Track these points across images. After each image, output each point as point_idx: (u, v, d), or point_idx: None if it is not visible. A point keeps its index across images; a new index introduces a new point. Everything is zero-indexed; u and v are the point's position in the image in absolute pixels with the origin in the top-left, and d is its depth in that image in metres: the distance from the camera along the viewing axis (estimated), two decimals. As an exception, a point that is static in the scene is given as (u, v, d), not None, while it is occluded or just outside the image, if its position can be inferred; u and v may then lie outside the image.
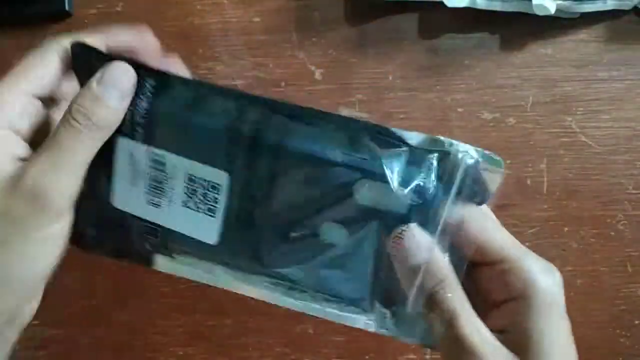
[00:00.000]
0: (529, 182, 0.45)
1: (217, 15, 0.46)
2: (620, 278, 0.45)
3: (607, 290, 0.45)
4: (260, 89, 0.45)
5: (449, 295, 0.24)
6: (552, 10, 0.42)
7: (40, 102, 0.26)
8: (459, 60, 0.45)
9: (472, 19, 0.45)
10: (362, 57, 0.46)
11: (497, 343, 0.24)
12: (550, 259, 0.45)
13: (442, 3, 0.43)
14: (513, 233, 0.44)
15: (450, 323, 0.24)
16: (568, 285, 0.44)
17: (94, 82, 0.24)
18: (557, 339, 0.24)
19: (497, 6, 0.44)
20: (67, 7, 0.45)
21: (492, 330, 0.25)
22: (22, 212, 0.24)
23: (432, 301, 0.24)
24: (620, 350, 0.44)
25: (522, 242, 0.44)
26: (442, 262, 0.25)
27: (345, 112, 0.42)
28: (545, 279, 0.25)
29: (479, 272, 0.26)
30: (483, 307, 0.25)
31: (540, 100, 0.45)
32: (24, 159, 0.25)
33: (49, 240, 0.25)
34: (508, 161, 0.45)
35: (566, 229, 0.45)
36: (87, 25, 0.46)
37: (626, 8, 0.44)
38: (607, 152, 0.45)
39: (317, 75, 0.46)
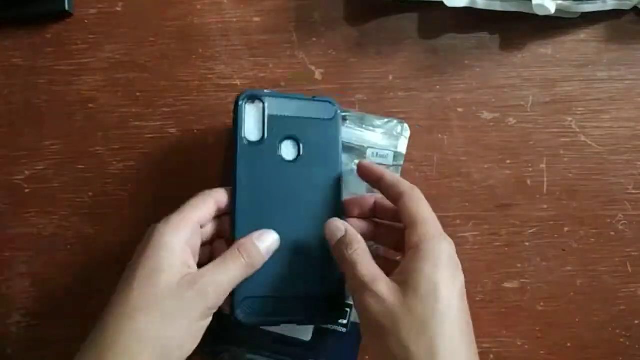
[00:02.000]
0: (529, 182, 0.45)
1: (217, 15, 0.46)
2: (620, 278, 0.45)
3: (607, 290, 0.45)
4: (259, 87, 0.45)
5: (351, 251, 0.34)
6: (552, 10, 0.42)
7: (199, 228, 0.37)
8: (459, 60, 0.45)
9: (472, 19, 0.45)
10: (362, 57, 0.46)
11: (383, 275, 0.33)
12: (550, 259, 0.45)
13: (442, 3, 0.43)
14: (513, 233, 0.45)
15: (351, 271, 0.34)
16: (568, 285, 0.45)
17: (254, 237, 0.37)
18: (434, 281, 0.32)
19: (497, 6, 0.44)
20: (67, 7, 0.45)
21: (394, 274, 0.33)
22: (194, 304, 0.33)
23: (344, 260, 0.34)
24: (620, 350, 0.44)
25: (522, 242, 0.45)
26: (352, 233, 0.35)
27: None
28: (436, 239, 0.33)
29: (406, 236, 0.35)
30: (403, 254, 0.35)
31: (540, 100, 0.45)
32: (190, 267, 0.35)
33: (202, 328, 0.34)
34: (508, 161, 0.45)
35: (566, 229, 0.45)
36: (87, 25, 0.46)
37: (626, 8, 0.44)
38: (607, 152, 0.45)
39: (317, 75, 0.46)
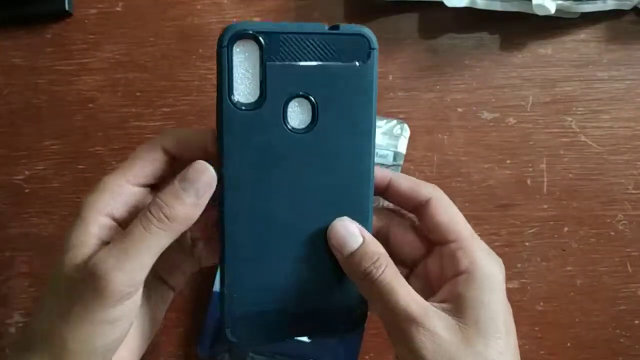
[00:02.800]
0: (529, 182, 0.45)
1: (217, 15, 0.46)
2: (620, 278, 0.45)
3: (607, 290, 0.45)
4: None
5: (379, 272, 0.27)
6: (552, 10, 0.42)
7: (147, 189, 0.29)
8: (459, 60, 0.45)
9: (472, 19, 0.45)
10: (362, 57, 0.46)
11: (432, 307, 0.27)
12: (550, 259, 0.45)
13: (442, 3, 0.43)
14: (513, 233, 0.45)
15: (385, 297, 0.26)
16: (568, 285, 0.45)
17: (176, 179, 0.27)
18: (494, 312, 0.27)
19: (497, 6, 0.44)
20: (67, 7, 0.45)
21: (438, 302, 0.27)
22: (86, 292, 0.25)
23: (367, 280, 0.27)
24: (620, 350, 0.44)
25: (522, 242, 0.45)
26: (373, 243, 0.28)
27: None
28: (488, 261, 0.28)
29: (435, 250, 0.30)
30: (433, 284, 0.29)
31: (540, 100, 0.45)
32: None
33: (107, 322, 0.26)
34: (508, 161, 0.45)
35: (566, 229, 0.45)
36: (87, 25, 0.46)
37: (626, 8, 0.44)
38: (607, 152, 0.45)
39: (317, 75, 0.46)
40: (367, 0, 0.46)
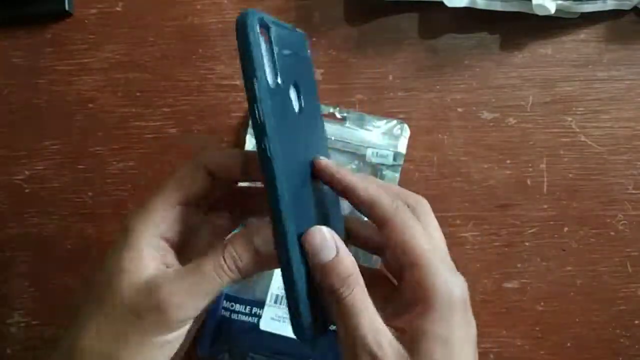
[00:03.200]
0: (529, 182, 0.45)
1: (217, 15, 0.46)
2: (620, 278, 0.45)
3: (607, 290, 0.44)
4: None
5: (349, 293, 0.26)
6: (552, 10, 0.42)
7: (192, 208, 0.29)
8: (459, 60, 0.45)
9: (472, 19, 0.45)
10: (362, 57, 0.46)
11: (390, 336, 0.26)
12: (550, 259, 0.45)
13: (442, 3, 0.43)
14: (513, 233, 0.45)
15: (347, 320, 0.26)
16: (568, 285, 0.45)
17: (252, 233, 0.27)
18: (447, 344, 0.25)
19: (497, 6, 0.44)
20: (67, 7, 0.45)
21: (398, 329, 0.26)
22: (147, 318, 0.26)
23: (333, 296, 0.26)
24: (620, 350, 0.44)
25: (522, 242, 0.45)
26: (346, 260, 0.26)
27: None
28: (443, 287, 0.26)
29: (401, 273, 0.28)
30: (403, 307, 0.27)
31: (540, 100, 0.45)
32: (167, 265, 0.28)
33: (162, 345, 0.27)
34: (508, 161, 0.45)
35: (566, 229, 0.45)
36: (87, 25, 0.46)
37: (626, 8, 0.44)
38: (607, 152, 0.45)
39: (317, 75, 0.46)
40: (367, 0, 0.46)
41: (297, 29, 0.30)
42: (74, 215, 0.45)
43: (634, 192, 0.45)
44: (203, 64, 0.46)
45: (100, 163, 0.46)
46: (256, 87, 0.25)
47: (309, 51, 0.31)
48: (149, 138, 0.46)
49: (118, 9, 0.47)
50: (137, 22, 0.46)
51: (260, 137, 0.25)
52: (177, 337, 0.27)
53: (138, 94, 0.46)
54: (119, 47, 0.46)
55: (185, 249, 0.29)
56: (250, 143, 0.44)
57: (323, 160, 0.29)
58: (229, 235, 0.29)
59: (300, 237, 0.26)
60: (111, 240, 0.45)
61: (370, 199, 0.28)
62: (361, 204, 0.28)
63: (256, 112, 0.25)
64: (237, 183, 0.31)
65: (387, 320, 0.26)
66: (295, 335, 0.27)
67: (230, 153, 0.29)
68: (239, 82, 0.46)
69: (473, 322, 0.27)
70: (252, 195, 0.32)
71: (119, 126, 0.46)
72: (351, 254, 0.27)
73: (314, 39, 0.46)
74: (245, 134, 0.44)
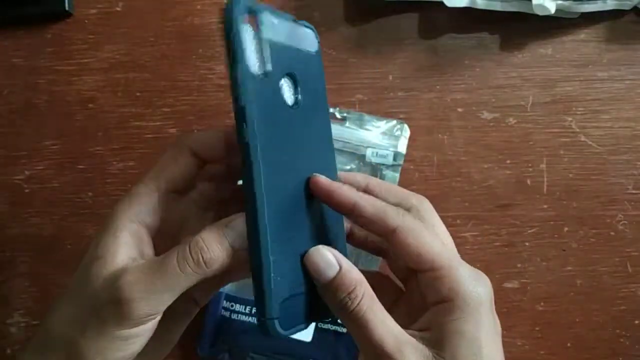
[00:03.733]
0: (529, 182, 0.45)
1: (217, 15, 0.46)
2: (620, 278, 0.45)
3: (607, 290, 0.45)
4: None
5: (357, 303, 0.25)
6: (552, 10, 0.42)
7: (175, 195, 0.28)
8: (459, 60, 0.45)
9: (472, 19, 0.45)
10: (362, 57, 0.46)
11: (408, 338, 0.25)
12: (550, 259, 0.45)
13: (442, 3, 0.43)
14: (513, 233, 0.45)
15: (359, 330, 0.25)
16: (568, 285, 0.45)
17: (221, 224, 0.26)
18: (474, 343, 0.25)
19: (497, 6, 0.44)
20: (67, 7, 0.45)
21: (419, 330, 0.26)
22: (107, 309, 0.25)
23: (343, 311, 0.26)
24: (620, 350, 0.44)
25: (522, 242, 0.45)
26: (350, 272, 0.26)
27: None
28: (470, 286, 0.26)
29: (415, 277, 0.28)
30: (417, 309, 0.27)
31: (540, 100, 0.45)
32: (142, 254, 0.27)
33: (122, 339, 0.26)
34: (508, 161, 0.45)
35: (566, 229, 0.45)
36: (87, 25, 0.46)
37: (626, 8, 0.44)
38: (607, 152, 0.45)
39: (317, 75, 0.46)
40: (367, 0, 0.46)
41: (307, 24, 0.30)
42: (74, 215, 0.45)
43: (634, 192, 0.45)
44: (203, 64, 0.46)
45: (100, 163, 0.46)
46: (237, 71, 0.24)
47: (317, 48, 0.30)
48: (149, 138, 0.46)
49: (118, 9, 0.47)
50: (137, 22, 0.46)
51: (239, 122, 0.25)
52: (141, 331, 0.26)
53: (138, 94, 0.46)
54: (119, 47, 0.46)
55: (174, 240, 0.28)
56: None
57: (319, 179, 0.28)
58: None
59: (279, 235, 0.25)
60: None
61: (376, 216, 0.27)
62: (367, 224, 0.28)
63: (235, 96, 0.25)
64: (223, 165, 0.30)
65: (402, 322, 0.26)
66: (261, 331, 0.26)
67: (213, 132, 0.29)
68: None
69: (498, 321, 0.27)
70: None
71: (119, 126, 0.46)
72: (355, 267, 0.26)
73: (314, 39, 0.46)
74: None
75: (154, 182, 0.28)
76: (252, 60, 0.25)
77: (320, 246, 0.26)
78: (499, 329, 0.27)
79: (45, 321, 0.27)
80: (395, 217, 0.27)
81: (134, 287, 0.25)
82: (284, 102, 0.27)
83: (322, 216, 0.29)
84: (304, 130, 0.28)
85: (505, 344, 0.44)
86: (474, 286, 0.26)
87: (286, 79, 0.28)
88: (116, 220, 0.27)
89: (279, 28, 0.27)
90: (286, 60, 0.27)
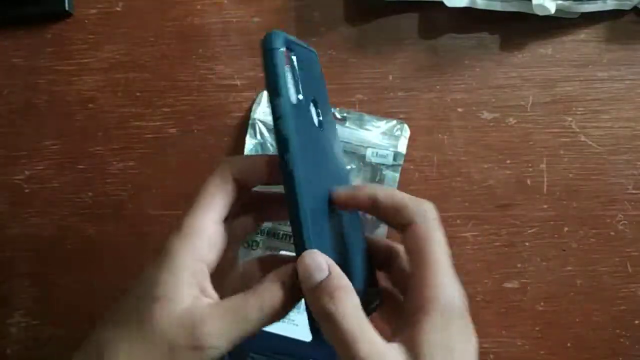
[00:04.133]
0: (529, 182, 0.45)
1: (217, 15, 0.46)
2: (620, 278, 0.45)
3: (607, 290, 0.45)
4: (260, 88, 0.45)
5: (340, 310, 0.25)
6: (552, 10, 0.42)
7: (222, 227, 0.28)
8: (459, 60, 0.45)
9: (472, 19, 0.45)
10: (362, 57, 0.46)
11: (388, 348, 0.25)
12: (550, 259, 0.45)
13: (442, 3, 0.43)
14: (513, 233, 0.45)
15: (344, 341, 0.25)
16: (568, 285, 0.45)
17: (306, 259, 0.26)
18: (448, 352, 0.25)
19: (497, 6, 0.44)
20: (67, 7, 0.45)
21: (401, 341, 0.26)
22: (182, 354, 0.25)
23: (323, 316, 0.25)
24: (620, 350, 0.44)
25: (522, 242, 0.45)
26: (338, 277, 0.26)
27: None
28: (446, 296, 0.26)
29: (405, 278, 0.28)
30: (406, 318, 0.27)
31: (540, 100, 0.45)
32: (204, 291, 0.27)
33: None
34: (508, 161, 0.45)
35: (566, 229, 0.45)
36: (87, 25, 0.46)
37: (626, 8, 0.44)
38: (607, 152, 0.45)
39: (317, 75, 0.46)
40: (367, 0, 0.46)
41: (310, 48, 0.31)
42: (74, 215, 0.46)
43: (634, 192, 0.45)
44: (203, 64, 0.46)
45: (100, 163, 0.46)
46: (281, 104, 0.26)
47: (320, 69, 0.32)
48: (149, 138, 0.46)
49: (118, 9, 0.47)
50: (137, 22, 0.46)
51: (281, 150, 0.26)
52: None
53: (138, 94, 0.46)
54: (119, 47, 0.46)
55: (222, 272, 0.29)
56: (250, 143, 0.44)
57: (340, 192, 0.29)
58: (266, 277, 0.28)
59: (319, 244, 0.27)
60: (111, 240, 0.45)
61: (396, 203, 0.28)
62: (384, 211, 0.28)
63: (278, 128, 0.26)
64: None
65: (394, 335, 0.26)
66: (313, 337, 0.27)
67: (255, 160, 0.29)
68: (239, 82, 0.46)
69: (474, 335, 0.27)
70: (269, 199, 0.31)
71: (119, 126, 0.46)
72: (346, 277, 0.26)
73: (314, 39, 0.46)
74: (245, 134, 0.44)
75: (208, 215, 0.27)
76: (292, 91, 0.27)
77: (314, 250, 0.26)
78: (474, 345, 0.26)
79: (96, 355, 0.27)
80: (410, 212, 0.27)
81: (214, 334, 0.25)
82: (313, 124, 0.29)
83: (342, 224, 0.30)
84: (326, 146, 0.30)
85: (505, 344, 0.44)
86: (446, 295, 0.26)
87: (311, 104, 0.29)
88: (175, 258, 0.26)
89: (301, 56, 0.28)
90: (309, 86, 0.29)
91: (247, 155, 0.29)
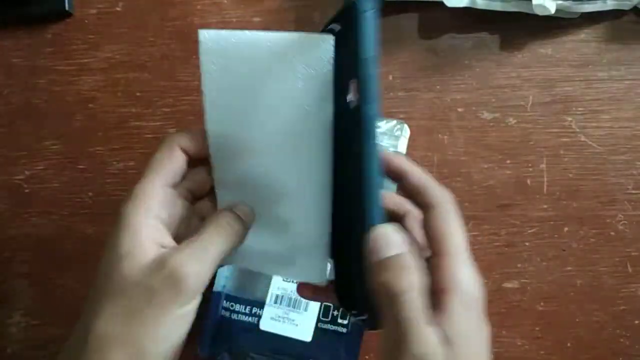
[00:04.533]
0: (529, 182, 0.45)
1: (217, 15, 0.46)
2: (620, 278, 0.45)
3: (607, 290, 0.44)
4: None
5: (406, 302, 0.25)
6: (552, 10, 0.42)
7: (172, 190, 0.31)
8: (459, 60, 0.45)
9: (472, 19, 0.45)
10: (362, 57, 0.46)
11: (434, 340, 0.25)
12: (550, 259, 0.45)
13: (442, 3, 0.43)
14: (513, 233, 0.45)
15: (402, 330, 0.25)
16: (568, 285, 0.45)
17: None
18: (467, 339, 0.25)
19: (497, 6, 0.44)
20: (67, 7, 0.45)
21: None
22: (164, 291, 0.27)
23: (383, 291, 0.26)
24: (620, 350, 0.44)
25: (522, 242, 0.45)
26: (412, 268, 0.26)
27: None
28: (464, 285, 0.27)
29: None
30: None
31: (540, 100, 0.45)
32: (164, 246, 0.29)
33: (181, 318, 0.28)
34: (508, 161, 0.45)
35: (566, 229, 0.45)
36: (87, 25, 0.46)
37: (626, 8, 0.44)
38: (607, 152, 0.45)
39: (317, 75, 0.46)
40: (367, 0, 0.46)
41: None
42: (74, 215, 0.46)
43: (634, 192, 0.45)
44: (203, 64, 0.46)
45: (100, 163, 0.46)
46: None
47: None
48: (149, 138, 0.46)
49: (118, 9, 0.47)
50: (137, 22, 0.46)
51: (358, 162, 0.27)
52: (192, 309, 0.28)
53: (138, 94, 0.46)
54: (119, 47, 0.46)
55: (178, 238, 0.30)
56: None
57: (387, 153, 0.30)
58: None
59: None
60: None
61: (421, 185, 0.29)
62: (411, 189, 0.29)
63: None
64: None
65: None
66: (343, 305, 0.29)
67: (197, 131, 0.31)
68: (239, 82, 0.46)
69: (487, 325, 0.27)
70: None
71: (119, 126, 0.46)
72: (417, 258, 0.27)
73: (314, 39, 0.46)
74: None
75: (157, 180, 0.30)
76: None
77: (388, 225, 0.27)
78: (487, 333, 0.27)
79: (86, 328, 0.28)
80: (437, 194, 0.29)
81: (185, 262, 0.27)
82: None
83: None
84: None
85: (505, 344, 0.44)
86: (469, 281, 0.27)
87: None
88: (129, 219, 0.28)
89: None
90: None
91: (190, 129, 0.31)
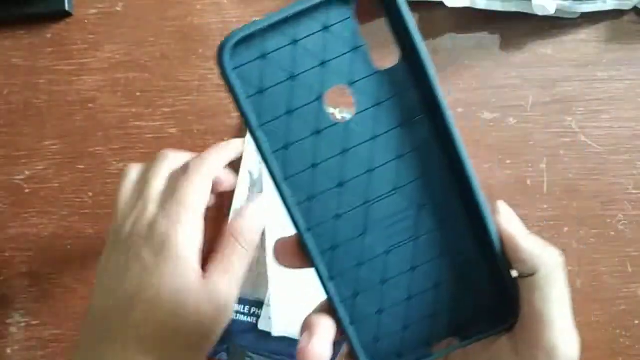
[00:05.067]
0: (529, 182, 0.45)
1: (217, 15, 0.46)
2: (620, 278, 0.45)
3: (607, 290, 0.44)
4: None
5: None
6: (552, 10, 0.42)
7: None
8: (459, 60, 0.45)
9: (472, 19, 0.45)
10: (362, 57, 0.46)
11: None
12: (550, 259, 0.45)
13: (442, 3, 0.43)
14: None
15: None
16: (568, 285, 0.44)
17: (247, 211, 0.35)
18: (550, 314, 0.25)
19: (497, 6, 0.44)
20: (67, 7, 0.45)
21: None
22: (210, 313, 0.32)
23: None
24: (620, 350, 0.44)
25: (522, 242, 0.44)
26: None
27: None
28: (543, 260, 0.27)
29: None
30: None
31: (540, 100, 0.45)
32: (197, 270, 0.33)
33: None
34: (508, 161, 0.45)
35: (566, 229, 0.45)
36: (87, 25, 0.46)
37: (626, 8, 0.44)
38: (607, 152, 0.45)
39: (317, 75, 0.46)
40: (367, 0, 0.45)
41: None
42: (74, 215, 0.46)
43: (634, 192, 0.45)
44: (203, 64, 0.46)
45: (100, 163, 0.46)
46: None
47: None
48: (149, 138, 0.46)
49: (118, 9, 0.47)
50: (137, 22, 0.46)
51: None
52: (225, 321, 0.34)
53: (138, 94, 0.46)
54: (119, 47, 0.46)
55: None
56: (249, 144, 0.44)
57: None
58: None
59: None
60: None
61: (516, 248, 0.28)
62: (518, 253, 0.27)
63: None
64: None
65: None
66: None
67: (224, 171, 0.37)
68: (239, 82, 0.46)
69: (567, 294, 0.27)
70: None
71: (119, 126, 0.46)
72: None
73: (314, 39, 0.46)
74: (245, 134, 0.44)
75: (199, 211, 0.33)
76: None
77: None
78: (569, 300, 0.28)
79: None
80: (533, 255, 0.28)
81: (229, 290, 0.33)
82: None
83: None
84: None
85: (505, 344, 0.44)
86: (547, 257, 0.28)
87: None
88: (179, 250, 0.32)
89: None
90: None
91: (217, 161, 0.36)
